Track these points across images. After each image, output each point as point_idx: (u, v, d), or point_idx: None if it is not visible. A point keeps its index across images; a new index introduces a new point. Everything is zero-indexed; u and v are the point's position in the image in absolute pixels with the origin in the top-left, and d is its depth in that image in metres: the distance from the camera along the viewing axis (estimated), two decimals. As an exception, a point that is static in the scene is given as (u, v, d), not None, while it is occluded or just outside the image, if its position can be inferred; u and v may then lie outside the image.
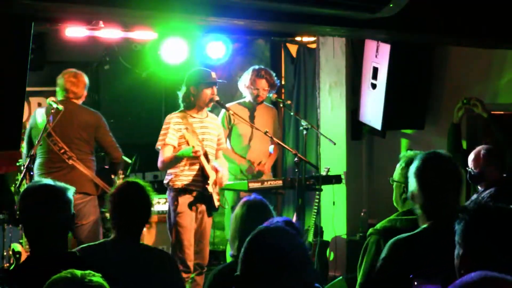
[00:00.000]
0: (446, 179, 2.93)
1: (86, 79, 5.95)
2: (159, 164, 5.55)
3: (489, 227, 2.20)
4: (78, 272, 2.09)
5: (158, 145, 5.53)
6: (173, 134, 5.49)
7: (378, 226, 3.33)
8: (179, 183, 5.52)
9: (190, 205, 5.52)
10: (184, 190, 5.51)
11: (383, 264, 2.89)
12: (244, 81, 6.33)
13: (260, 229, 2.10)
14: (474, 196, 5.12)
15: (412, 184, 2.95)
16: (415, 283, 2.55)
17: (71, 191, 2.99)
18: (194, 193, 5.53)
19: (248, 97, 6.37)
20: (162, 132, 5.55)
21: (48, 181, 3.05)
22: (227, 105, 6.14)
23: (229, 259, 6.17)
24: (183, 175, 5.53)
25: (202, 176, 5.51)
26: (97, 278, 2.10)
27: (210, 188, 5.49)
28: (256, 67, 6.37)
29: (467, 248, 2.20)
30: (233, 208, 6.17)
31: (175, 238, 5.50)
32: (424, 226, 2.91)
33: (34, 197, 2.95)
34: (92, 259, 2.71)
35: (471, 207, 2.28)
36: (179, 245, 5.48)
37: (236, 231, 3.52)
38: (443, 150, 3.06)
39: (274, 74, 6.38)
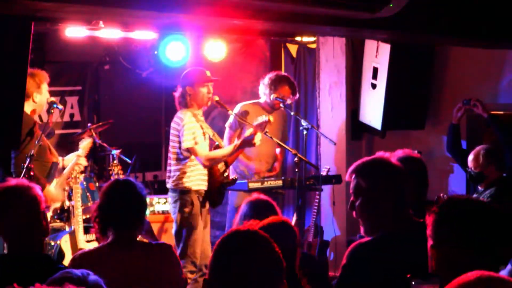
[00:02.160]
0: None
1: (38, 78, 5.43)
2: (205, 161, 5.45)
3: (455, 218, 2.24)
4: (77, 271, 2.11)
5: (189, 145, 5.44)
6: (199, 133, 5.49)
7: None
8: (189, 184, 5.51)
9: (201, 206, 5.53)
10: (194, 191, 5.51)
11: (346, 272, 2.82)
12: (273, 88, 6.22)
13: (231, 232, 2.00)
14: (475, 196, 5.13)
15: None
16: (413, 283, 2.55)
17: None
18: (203, 192, 5.55)
19: (263, 99, 6.31)
20: (187, 131, 5.45)
21: (23, 181, 3.11)
22: (242, 104, 6.27)
23: None
24: (193, 175, 5.52)
25: (209, 174, 5.55)
26: (94, 277, 2.12)
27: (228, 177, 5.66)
28: (285, 76, 6.35)
29: (436, 239, 2.23)
30: (236, 209, 6.17)
31: (187, 240, 5.47)
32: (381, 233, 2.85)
33: (13, 199, 2.99)
34: (91, 264, 2.71)
35: (442, 200, 2.31)
36: (192, 247, 5.46)
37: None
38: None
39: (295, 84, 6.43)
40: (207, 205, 5.63)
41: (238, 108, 6.24)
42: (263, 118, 5.62)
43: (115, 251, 3.30)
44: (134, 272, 3.25)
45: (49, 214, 5.64)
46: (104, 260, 3.23)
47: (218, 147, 5.64)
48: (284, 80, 6.26)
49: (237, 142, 5.58)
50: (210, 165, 5.51)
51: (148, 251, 3.39)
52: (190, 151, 5.47)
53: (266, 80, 6.26)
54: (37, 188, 3.08)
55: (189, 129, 5.47)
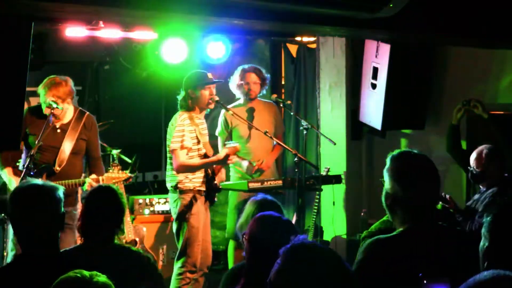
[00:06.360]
0: (427, 178, 2.73)
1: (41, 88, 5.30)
2: (179, 167, 5.50)
3: None
4: (86, 273, 2.10)
5: (175, 147, 5.50)
6: (188, 137, 5.52)
7: (372, 228, 3.29)
8: (190, 185, 5.56)
9: (201, 206, 5.57)
10: (193, 191, 5.56)
11: (360, 267, 2.71)
12: (234, 81, 6.37)
13: (296, 244, 1.95)
14: (477, 196, 5.11)
15: (391, 187, 2.73)
16: (424, 281, 2.54)
17: (60, 190, 2.98)
18: (203, 193, 5.61)
19: (241, 97, 6.39)
20: (177, 133, 5.53)
21: (37, 181, 3.04)
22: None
23: (231, 256, 6.22)
24: (195, 177, 5.58)
25: (207, 175, 5.61)
26: (103, 278, 2.11)
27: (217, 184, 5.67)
28: (250, 66, 6.44)
29: (492, 240, 2.25)
30: (236, 208, 6.17)
31: (187, 240, 5.51)
32: (401, 229, 2.73)
33: (23, 198, 2.95)
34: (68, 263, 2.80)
35: (501, 202, 2.34)
36: (191, 246, 5.49)
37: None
38: (416, 150, 2.85)
39: (263, 69, 6.44)
40: (207, 205, 5.65)
41: (222, 113, 6.26)
42: (234, 143, 5.63)
43: (85, 252, 3.44)
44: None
45: None
46: (77, 260, 3.30)
47: (206, 155, 5.64)
48: (246, 69, 6.36)
49: (213, 157, 5.59)
50: (180, 172, 5.54)
51: (118, 255, 3.52)
52: (172, 152, 5.52)
53: (233, 77, 6.37)
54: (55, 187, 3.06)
55: (179, 131, 5.53)
